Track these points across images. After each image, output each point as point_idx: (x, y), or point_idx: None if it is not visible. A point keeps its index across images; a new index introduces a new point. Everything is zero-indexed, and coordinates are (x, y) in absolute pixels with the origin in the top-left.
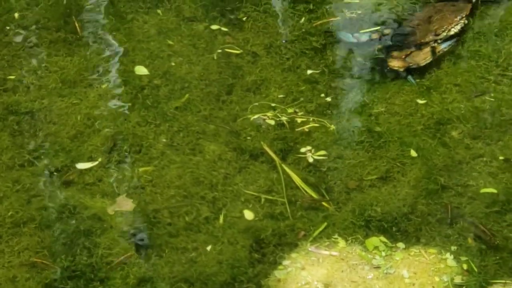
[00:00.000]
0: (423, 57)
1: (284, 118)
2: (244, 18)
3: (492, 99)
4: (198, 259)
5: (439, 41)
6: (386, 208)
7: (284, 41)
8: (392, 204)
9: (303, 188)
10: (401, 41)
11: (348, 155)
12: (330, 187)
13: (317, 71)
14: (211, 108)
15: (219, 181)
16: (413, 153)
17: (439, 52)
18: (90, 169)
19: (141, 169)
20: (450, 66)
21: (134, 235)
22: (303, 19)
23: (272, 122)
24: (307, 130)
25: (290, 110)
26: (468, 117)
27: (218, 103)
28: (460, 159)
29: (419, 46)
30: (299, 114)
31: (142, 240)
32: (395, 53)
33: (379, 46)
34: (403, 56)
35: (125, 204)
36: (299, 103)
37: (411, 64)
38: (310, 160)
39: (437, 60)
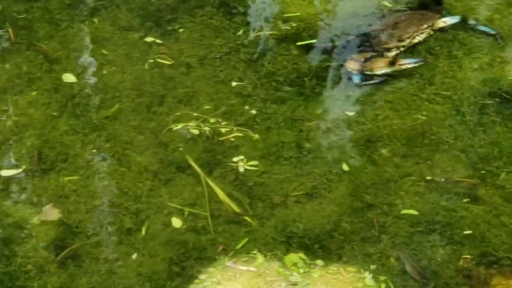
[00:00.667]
0: (380, 65)
1: (207, 128)
2: (180, 29)
3: (424, 118)
4: (117, 270)
5: (401, 48)
6: (309, 224)
7: (218, 56)
8: (315, 221)
9: (227, 203)
10: (363, 45)
11: (275, 170)
12: (255, 202)
13: (250, 84)
14: (141, 119)
15: (144, 193)
16: (345, 167)
17: (400, 65)
18: (14, 176)
19: (66, 178)
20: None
21: (54, 244)
22: (240, 32)
23: (196, 132)
24: (235, 143)
25: (212, 120)
26: (399, 135)
27: (148, 114)
28: (388, 178)
29: (382, 52)
30: (222, 124)
31: (62, 249)
32: (354, 55)
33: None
34: (362, 59)
35: (51, 213)
36: (229, 115)
37: (365, 69)
38: (241, 170)
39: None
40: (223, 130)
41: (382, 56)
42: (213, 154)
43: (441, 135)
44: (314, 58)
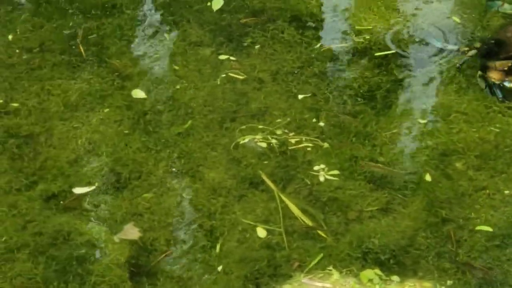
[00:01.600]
0: None
1: (274, 141)
2: (252, 44)
3: (497, 130)
4: None
5: None
6: (384, 240)
7: (296, 71)
8: (390, 236)
9: (301, 218)
10: (493, 53)
11: (349, 185)
12: (329, 217)
13: (322, 98)
14: (213, 135)
15: (218, 210)
16: (420, 182)
17: None
18: (87, 194)
19: (139, 196)
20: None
21: (129, 262)
22: (312, 46)
23: (264, 145)
24: (307, 158)
25: (279, 132)
26: (473, 148)
27: (221, 130)
28: (463, 191)
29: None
30: (291, 134)
31: (137, 267)
32: (497, 63)
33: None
34: (505, 68)
35: (132, 232)
36: (301, 129)
37: (507, 80)
38: (322, 179)
39: None
40: (292, 140)
41: None
42: (287, 170)
43: None
44: (388, 71)
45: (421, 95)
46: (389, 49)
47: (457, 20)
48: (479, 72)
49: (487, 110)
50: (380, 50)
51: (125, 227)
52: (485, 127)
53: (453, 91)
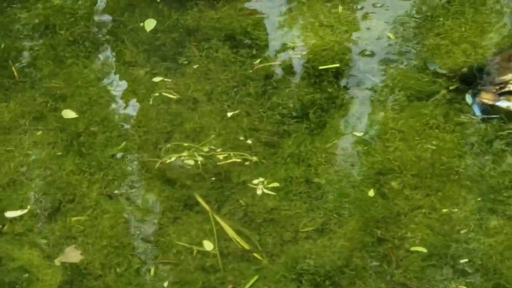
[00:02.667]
0: None
1: (200, 159)
2: (186, 63)
3: (433, 147)
4: None
5: None
6: (320, 261)
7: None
8: (326, 257)
9: (236, 240)
10: (476, 80)
11: (284, 206)
12: (264, 238)
13: (257, 118)
14: (148, 156)
15: (152, 232)
16: (355, 201)
17: None
18: (19, 218)
19: (73, 219)
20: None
21: (61, 287)
22: (246, 64)
23: (192, 162)
24: (242, 178)
25: (206, 149)
26: (409, 166)
27: (155, 151)
28: (398, 210)
29: (497, 86)
30: (218, 150)
31: None
32: (490, 87)
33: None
34: (495, 91)
35: (73, 255)
36: (236, 150)
37: (502, 100)
38: (259, 192)
39: None
40: (220, 156)
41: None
42: (221, 191)
43: (451, 164)
44: (322, 89)
45: (357, 113)
46: (324, 67)
47: (392, 36)
48: (469, 96)
49: (424, 127)
50: (314, 68)
51: (66, 250)
52: (422, 145)
53: (390, 108)
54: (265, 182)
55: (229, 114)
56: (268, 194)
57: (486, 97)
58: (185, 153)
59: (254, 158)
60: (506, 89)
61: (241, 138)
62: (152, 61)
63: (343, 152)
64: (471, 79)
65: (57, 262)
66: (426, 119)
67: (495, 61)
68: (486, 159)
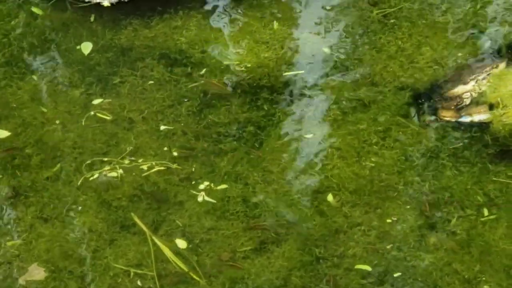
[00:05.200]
0: (478, 110)
1: (120, 171)
2: (121, 83)
3: (372, 164)
4: None
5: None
6: (258, 281)
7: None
8: (264, 277)
9: (173, 261)
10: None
11: (222, 225)
12: (202, 259)
13: (193, 137)
14: (84, 178)
15: (89, 255)
16: (293, 220)
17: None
18: None
19: (8, 243)
20: (334, 129)
21: None
22: (181, 83)
23: (114, 174)
24: (179, 199)
25: (126, 161)
26: (348, 183)
27: (91, 172)
28: (337, 228)
29: (447, 99)
30: (139, 161)
31: None
32: (444, 104)
33: None
34: (453, 107)
35: (37, 273)
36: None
37: (464, 115)
38: (200, 199)
39: None
40: (144, 167)
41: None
42: (158, 211)
43: (390, 181)
44: (259, 106)
45: (294, 131)
46: (259, 84)
47: (327, 51)
48: (427, 116)
49: (362, 145)
50: (249, 85)
51: (29, 268)
52: (360, 162)
53: (327, 125)
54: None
55: (165, 133)
56: (206, 213)
57: (447, 115)
58: (106, 167)
59: (175, 166)
60: (463, 103)
61: (176, 155)
62: (87, 81)
63: (279, 169)
64: (422, 94)
65: (21, 281)
66: (365, 136)
67: (447, 75)
68: (426, 174)
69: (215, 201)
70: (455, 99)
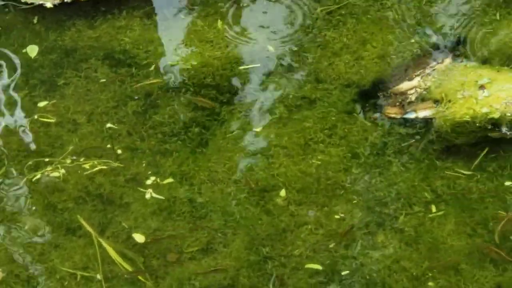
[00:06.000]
0: (424, 106)
1: (62, 171)
2: (65, 85)
3: (318, 162)
4: None
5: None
6: (205, 282)
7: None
8: (212, 277)
9: (120, 263)
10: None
11: (168, 226)
12: (149, 260)
13: (138, 138)
14: (29, 180)
15: (34, 258)
16: (240, 220)
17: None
18: None
19: None
20: (280, 127)
21: None
22: (126, 84)
23: (57, 174)
24: (125, 200)
25: (68, 161)
26: (294, 182)
27: (33, 173)
28: (284, 227)
29: (393, 96)
30: (81, 160)
31: None
32: (391, 101)
33: None
34: (398, 104)
35: None
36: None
37: (408, 111)
38: (148, 196)
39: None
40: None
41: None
42: (104, 213)
43: (337, 179)
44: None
45: (239, 130)
46: (204, 83)
47: (272, 49)
48: (372, 113)
49: (309, 142)
50: (195, 85)
51: None
52: (307, 160)
53: (273, 124)
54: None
55: (110, 134)
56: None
57: (392, 112)
58: (49, 167)
59: (117, 164)
60: (408, 100)
61: (121, 156)
62: (31, 84)
63: (224, 169)
64: (367, 91)
65: None
66: (311, 133)
67: (392, 72)
68: (373, 172)
69: (163, 197)
70: (400, 95)
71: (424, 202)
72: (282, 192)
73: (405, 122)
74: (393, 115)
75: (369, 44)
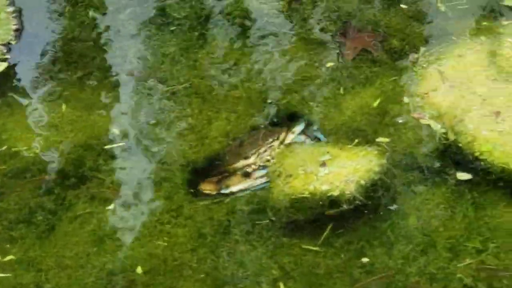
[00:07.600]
0: (235, 181)
1: None
2: None
3: (165, 244)
4: None
5: (253, 166)
6: None
7: None
8: None
9: None
10: (209, 167)
11: None
12: None
13: None
14: None
15: None
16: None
17: (254, 178)
18: None
19: None
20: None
21: None
22: None
23: None
24: None
25: None
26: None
27: None
28: None
29: (232, 172)
30: None
31: None
32: (208, 178)
33: None
34: (215, 180)
35: None
36: None
37: (222, 188)
38: None
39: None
40: None
41: (234, 175)
42: None
43: (184, 259)
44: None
45: (86, 214)
46: (48, 168)
47: (117, 132)
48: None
49: (155, 224)
50: (40, 170)
51: None
52: (153, 242)
53: (119, 205)
54: None
55: None
56: None
57: (208, 188)
58: None
59: None
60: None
61: None
62: None
63: (71, 254)
64: (204, 170)
65: None
66: (157, 215)
67: (227, 149)
68: (219, 251)
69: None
70: (239, 170)
71: (272, 280)
72: (132, 275)
73: (242, 198)
74: (208, 191)
75: (214, 122)
